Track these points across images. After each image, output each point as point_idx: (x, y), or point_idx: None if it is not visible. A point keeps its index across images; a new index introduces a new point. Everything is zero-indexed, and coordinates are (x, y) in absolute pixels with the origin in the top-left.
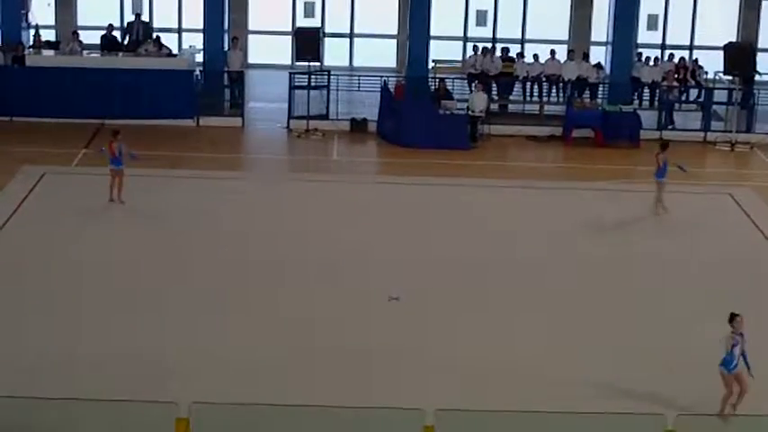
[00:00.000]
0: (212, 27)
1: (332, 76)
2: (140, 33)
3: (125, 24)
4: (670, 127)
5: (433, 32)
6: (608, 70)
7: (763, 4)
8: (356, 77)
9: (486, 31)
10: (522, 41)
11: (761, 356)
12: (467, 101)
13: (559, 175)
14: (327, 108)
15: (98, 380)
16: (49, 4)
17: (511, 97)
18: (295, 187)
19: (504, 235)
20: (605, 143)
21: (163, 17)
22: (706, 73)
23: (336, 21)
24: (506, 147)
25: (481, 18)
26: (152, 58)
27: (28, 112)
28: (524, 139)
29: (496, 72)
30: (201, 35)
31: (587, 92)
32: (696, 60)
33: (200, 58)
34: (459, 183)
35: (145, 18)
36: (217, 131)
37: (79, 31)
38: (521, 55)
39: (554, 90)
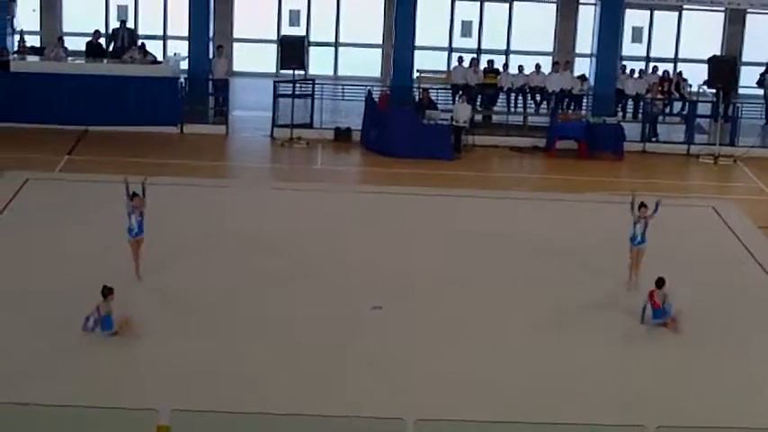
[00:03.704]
0: (197, 35)
1: (316, 85)
2: (125, 40)
3: (110, 31)
4: (653, 139)
5: (418, 42)
6: (592, 82)
7: (748, 18)
8: (341, 86)
9: (471, 42)
10: (507, 53)
11: (747, 372)
12: (451, 111)
13: (543, 186)
14: (312, 117)
15: (78, 385)
16: (34, 10)
17: (495, 108)
18: (278, 196)
19: (487, 245)
20: (589, 155)
21: (148, 24)
22: (690, 86)
23: (321, 30)
24: (490, 157)
25: (466, 29)
26: (137, 65)
27: (12, 117)
28: (508, 149)
29: (477, 83)
30: (186, 43)
31: (572, 103)
32: (680, 73)
33: (184, 65)
34: (443, 193)
35: (130, 25)
36: (201, 139)
37: (65, 38)
38: (505, 66)
39: (538, 100)
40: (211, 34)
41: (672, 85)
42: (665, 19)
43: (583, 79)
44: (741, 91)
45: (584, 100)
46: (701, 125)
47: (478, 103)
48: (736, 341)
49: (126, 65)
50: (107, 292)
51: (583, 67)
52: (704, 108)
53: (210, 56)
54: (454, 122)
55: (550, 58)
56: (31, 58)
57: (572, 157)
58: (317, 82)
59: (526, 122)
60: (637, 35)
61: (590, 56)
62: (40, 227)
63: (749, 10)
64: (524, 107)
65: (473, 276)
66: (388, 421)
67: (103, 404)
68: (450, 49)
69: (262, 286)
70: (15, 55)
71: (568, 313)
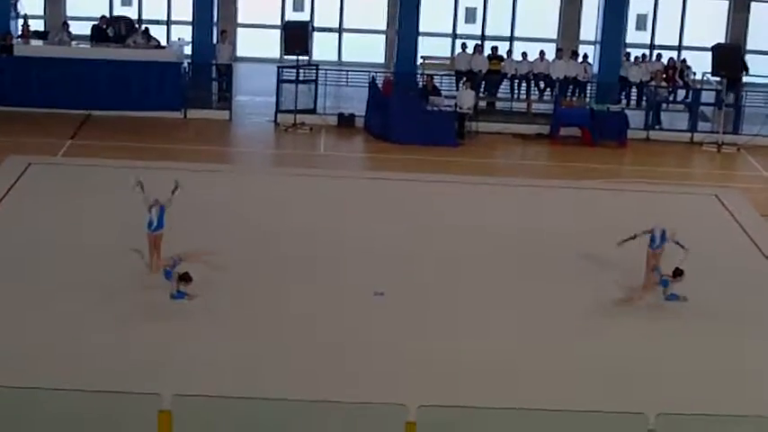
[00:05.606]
0: (201, 19)
1: (320, 71)
2: (123, 29)
3: (110, 17)
4: (657, 127)
5: (421, 29)
6: (596, 69)
7: (752, 6)
8: (344, 72)
9: (475, 29)
10: (511, 39)
11: (749, 361)
12: (455, 97)
13: (546, 174)
14: (315, 102)
15: (80, 370)
16: None
17: (499, 95)
18: (281, 181)
19: (490, 232)
20: (592, 142)
21: (152, 9)
22: (694, 74)
23: (325, 15)
24: (494, 144)
25: (470, 15)
26: (140, 50)
27: (14, 101)
28: (512, 136)
29: (485, 70)
30: (190, 27)
31: (576, 91)
32: (684, 61)
33: (188, 50)
34: (446, 179)
35: (134, 8)
36: (204, 124)
37: (69, 22)
38: (509, 53)
39: (542, 87)
40: (215, 19)
41: (676, 73)
42: (669, 6)
43: (585, 59)
44: (745, 79)
45: (588, 87)
46: (705, 113)
47: (482, 90)
48: (739, 329)
49: (129, 50)
50: (186, 277)
51: (587, 54)
52: (708, 96)
53: (214, 41)
54: (458, 109)
55: (554, 44)
56: (35, 43)
57: (575, 145)
58: (320, 67)
59: (530, 109)
60: (641, 22)
61: (594, 43)
62: (42, 212)
63: None
64: (528, 94)
65: (475, 263)
66: (390, 407)
67: (105, 388)
68: (455, 36)
69: (260, 271)
70: (19, 39)
71: (571, 301)
